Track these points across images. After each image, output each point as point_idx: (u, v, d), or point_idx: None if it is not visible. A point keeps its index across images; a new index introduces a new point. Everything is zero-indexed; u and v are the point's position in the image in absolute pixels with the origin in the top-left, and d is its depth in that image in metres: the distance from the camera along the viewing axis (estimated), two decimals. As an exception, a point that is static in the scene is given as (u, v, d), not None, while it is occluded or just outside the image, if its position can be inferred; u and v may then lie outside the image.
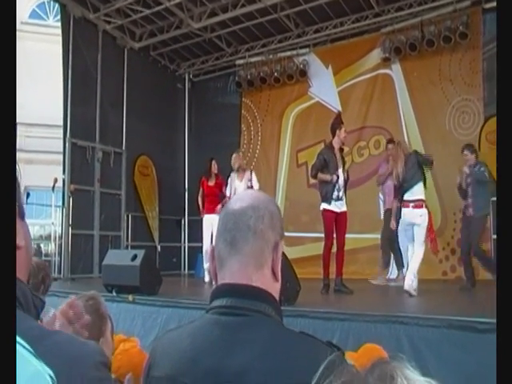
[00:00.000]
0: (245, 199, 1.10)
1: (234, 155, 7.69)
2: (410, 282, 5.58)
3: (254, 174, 7.59)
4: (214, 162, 7.94)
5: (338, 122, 6.55)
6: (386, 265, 7.84)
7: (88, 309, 1.72)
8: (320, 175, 6.29)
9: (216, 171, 7.90)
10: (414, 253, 5.83)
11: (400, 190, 5.96)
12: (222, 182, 7.84)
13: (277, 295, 1.07)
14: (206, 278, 7.60)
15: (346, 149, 9.32)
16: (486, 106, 8.43)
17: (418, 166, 5.95)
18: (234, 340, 0.97)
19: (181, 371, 0.99)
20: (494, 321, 3.52)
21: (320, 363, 0.92)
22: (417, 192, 5.86)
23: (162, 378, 1.03)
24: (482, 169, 6.38)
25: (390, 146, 7.43)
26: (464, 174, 6.52)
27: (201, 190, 7.95)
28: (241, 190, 7.20)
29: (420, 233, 5.83)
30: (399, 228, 6.19)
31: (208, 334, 1.01)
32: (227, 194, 7.46)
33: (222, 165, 8.06)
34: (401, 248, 6.62)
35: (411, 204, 5.85)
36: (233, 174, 7.57)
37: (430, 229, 6.49)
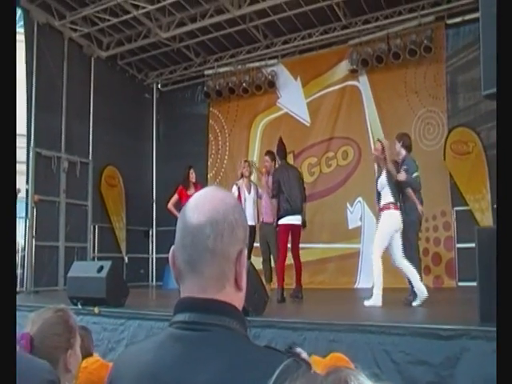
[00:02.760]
0: (203, 211, 1.00)
1: (240, 162, 7.57)
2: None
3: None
4: (191, 171, 7.62)
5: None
6: None
7: (57, 320, 1.70)
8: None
9: (194, 180, 7.56)
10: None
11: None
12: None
13: (241, 304, 1.04)
14: None
15: (314, 159, 9.43)
16: (449, 118, 8.69)
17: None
18: (196, 356, 0.95)
19: None
20: (457, 327, 3.59)
21: (285, 378, 0.91)
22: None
23: None
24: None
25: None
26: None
27: (175, 198, 7.39)
28: (250, 203, 7.09)
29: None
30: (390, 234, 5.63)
31: (170, 349, 0.98)
32: None
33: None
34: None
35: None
36: (239, 183, 7.29)
37: None
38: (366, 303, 5.43)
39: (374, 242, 5.59)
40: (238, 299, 1.04)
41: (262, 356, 0.96)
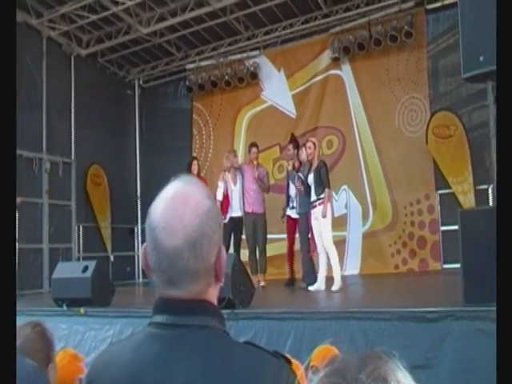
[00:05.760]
0: (177, 232, 0.93)
1: (226, 154, 7.43)
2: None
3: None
4: (194, 162, 7.50)
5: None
6: None
7: (36, 336, 1.69)
8: None
9: (196, 172, 7.39)
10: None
11: None
12: (205, 184, 7.48)
13: (216, 296, 1.02)
14: None
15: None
16: (431, 103, 8.72)
17: None
18: (175, 355, 0.93)
19: None
20: (442, 309, 3.59)
21: (266, 374, 0.90)
22: None
23: None
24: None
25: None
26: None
27: None
28: (236, 195, 7.03)
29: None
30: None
31: (148, 349, 0.95)
32: (219, 197, 7.03)
33: (175, 170, 7.88)
34: None
35: None
36: (226, 175, 7.21)
37: None
38: (333, 288, 5.87)
39: (327, 234, 6.09)
40: (215, 291, 1.02)
41: (240, 353, 0.95)
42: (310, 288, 6.06)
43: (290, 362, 0.98)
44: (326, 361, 0.69)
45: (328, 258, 6.06)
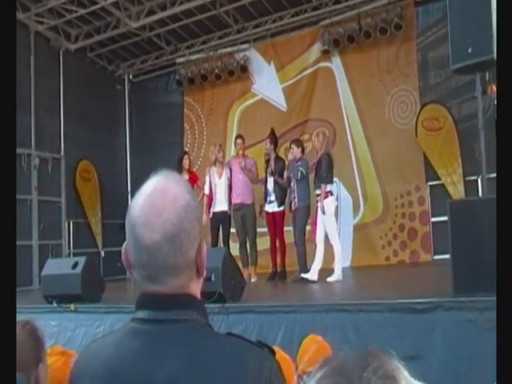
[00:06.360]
0: (155, 227, 0.93)
1: (211, 148, 7.41)
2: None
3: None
4: (186, 157, 7.51)
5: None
6: None
7: (26, 335, 1.68)
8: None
9: (187, 166, 7.43)
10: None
11: None
12: (196, 178, 7.46)
13: (199, 290, 1.02)
14: None
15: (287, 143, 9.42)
16: (421, 95, 8.74)
17: None
18: (157, 350, 0.93)
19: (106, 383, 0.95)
20: (432, 300, 3.61)
21: (249, 364, 0.90)
22: None
23: None
24: (300, 167, 6.51)
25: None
26: (286, 168, 6.80)
27: None
28: (221, 188, 6.99)
29: None
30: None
31: (130, 344, 0.96)
32: (206, 191, 7.06)
33: (166, 165, 7.84)
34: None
35: None
36: (212, 169, 7.18)
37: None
38: (329, 279, 5.97)
39: (330, 228, 6.18)
40: (198, 285, 1.01)
41: (223, 344, 0.96)
42: (303, 275, 6.10)
43: (273, 352, 0.98)
44: (321, 361, 0.67)
45: (332, 251, 6.12)
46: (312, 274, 6.06)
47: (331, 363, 0.65)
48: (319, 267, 6.12)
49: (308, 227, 6.62)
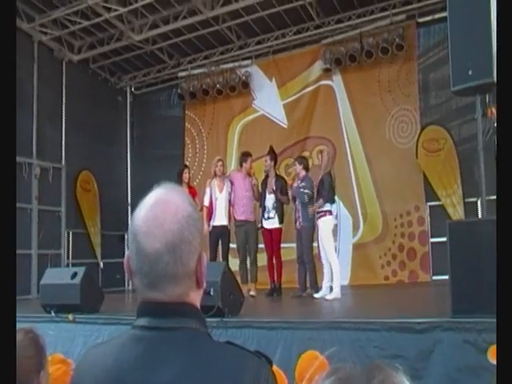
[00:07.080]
0: (157, 236, 0.96)
1: (212, 161, 7.38)
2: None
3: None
4: (186, 171, 7.46)
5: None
6: None
7: (29, 342, 1.68)
8: None
9: (187, 180, 7.40)
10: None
11: None
12: (195, 193, 7.41)
13: (199, 301, 1.04)
14: None
15: (290, 160, 9.45)
16: (421, 116, 8.81)
17: None
18: (157, 357, 0.94)
19: None
20: (430, 320, 3.61)
21: (246, 372, 0.92)
22: None
23: None
24: (305, 190, 6.51)
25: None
26: (290, 188, 6.84)
27: None
28: (221, 202, 6.98)
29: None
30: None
31: (131, 351, 0.97)
32: (206, 203, 7.01)
33: (166, 177, 7.85)
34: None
35: None
36: (213, 182, 7.15)
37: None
38: (328, 297, 6.03)
39: (328, 245, 6.30)
40: (197, 296, 1.03)
41: (221, 352, 0.97)
42: (316, 295, 6.25)
43: (271, 362, 1.00)
44: (328, 370, 0.68)
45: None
46: (324, 293, 6.19)
47: (337, 374, 0.66)
48: (329, 284, 6.24)
49: (315, 244, 6.65)
